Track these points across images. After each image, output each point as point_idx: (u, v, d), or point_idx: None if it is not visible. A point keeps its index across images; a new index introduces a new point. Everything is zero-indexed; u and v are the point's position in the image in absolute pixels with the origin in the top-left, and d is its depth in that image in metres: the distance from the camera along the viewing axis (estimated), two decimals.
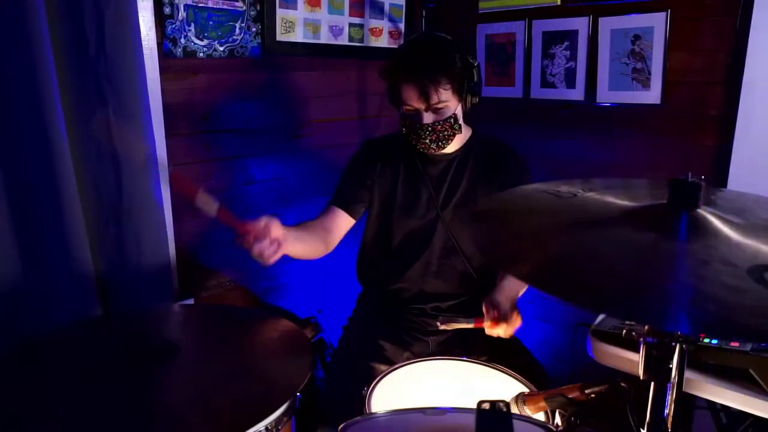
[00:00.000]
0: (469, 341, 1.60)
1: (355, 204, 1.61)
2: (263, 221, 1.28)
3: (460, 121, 1.53)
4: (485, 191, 1.59)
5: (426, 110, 1.47)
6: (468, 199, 1.60)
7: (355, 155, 1.69)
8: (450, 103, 1.48)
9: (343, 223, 1.60)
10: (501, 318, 1.34)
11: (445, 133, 1.50)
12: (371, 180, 1.63)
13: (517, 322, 1.37)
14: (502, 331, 1.36)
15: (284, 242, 1.31)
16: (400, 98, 1.49)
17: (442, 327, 1.39)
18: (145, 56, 1.56)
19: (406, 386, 1.28)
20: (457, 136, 1.59)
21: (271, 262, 1.29)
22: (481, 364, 1.38)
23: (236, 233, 1.26)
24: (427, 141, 1.50)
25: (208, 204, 1.20)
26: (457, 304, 1.63)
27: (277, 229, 1.30)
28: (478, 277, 1.61)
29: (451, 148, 1.60)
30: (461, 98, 1.50)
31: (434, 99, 1.45)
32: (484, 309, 1.38)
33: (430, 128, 1.48)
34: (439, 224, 1.59)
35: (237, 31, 1.85)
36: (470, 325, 1.39)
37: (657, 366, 0.81)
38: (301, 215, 1.54)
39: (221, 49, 1.82)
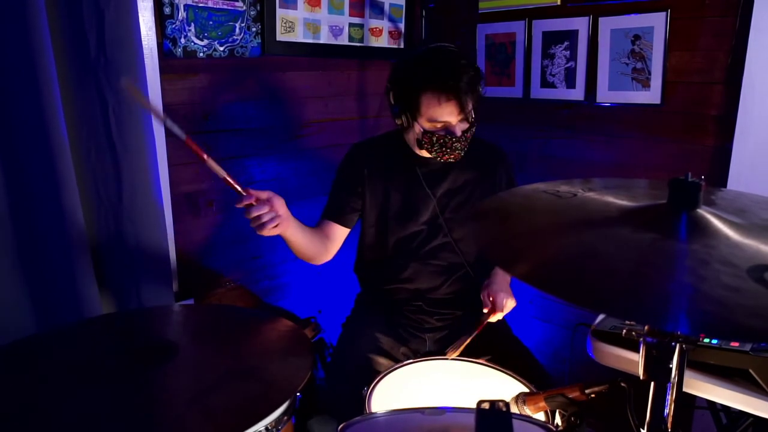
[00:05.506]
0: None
1: (347, 214, 1.62)
2: (267, 192, 1.30)
3: None
4: (480, 190, 1.61)
5: (459, 122, 1.47)
6: (464, 198, 1.61)
7: (342, 162, 1.68)
8: (472, 109, 1.49)
9: (338, 234, 1.62)
10: (498, 308, 1.47)
11: (469, 139, 1.51)
12: (361, 185, 1.62)
13: (510, 305, 1.49)
14: (498, 317, 1.50)
15: (284, 219, 1.32)
16: (425, 114, 1.44)
17: (454, 355, 1.41)
18: (145, 56, 1.56)
19: (406, 386, 1.28)
20: None
21: (266, 231, 1.30)
22: (481, 364, 1.38)
23: (238, 197, 1.27)
24: (458, 151, 1.49)
25: (216, 168, 1.21)
26: (453, 298, 1.64)
27: (280, 204, 1.31)
28: (474, 274, 1.62)
29: None
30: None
31: (468, 109, 1.46)
32: (483, 299, 1.50)
33: (463, 139, 1.48)
34: (436, 224, 1.60)
35: (237, 31, 1.85)
36: (475, 333, 1.45)
37: (657, 366, 0.81)
38: (301, 215, 1.54)
39: (221, 49, 1.82)
